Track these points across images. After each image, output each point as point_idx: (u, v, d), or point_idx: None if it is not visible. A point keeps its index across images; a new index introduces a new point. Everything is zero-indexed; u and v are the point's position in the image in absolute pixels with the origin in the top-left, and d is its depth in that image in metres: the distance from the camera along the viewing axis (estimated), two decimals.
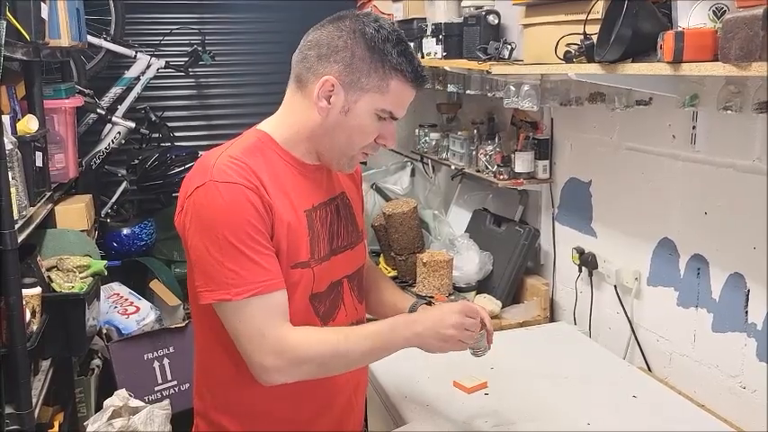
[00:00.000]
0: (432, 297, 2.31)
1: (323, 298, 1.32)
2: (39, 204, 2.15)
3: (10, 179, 1.74)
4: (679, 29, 1.36)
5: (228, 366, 1.27)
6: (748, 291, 1.62)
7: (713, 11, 1.33)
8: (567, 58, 1.70)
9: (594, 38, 1.58)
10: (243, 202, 1.16)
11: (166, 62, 3.36)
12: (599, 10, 1.61)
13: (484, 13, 2.20)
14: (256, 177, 1.19)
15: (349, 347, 1.23)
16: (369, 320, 1.42)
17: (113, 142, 3.26)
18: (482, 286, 2.47)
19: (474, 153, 2.61)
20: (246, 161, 1.20)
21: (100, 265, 2.34)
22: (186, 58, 3.43)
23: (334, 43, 1.21)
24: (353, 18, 1.23)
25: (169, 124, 3.54)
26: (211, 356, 1.31)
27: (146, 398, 2.52)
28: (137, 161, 3.35)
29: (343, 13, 1.26)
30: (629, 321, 2.01)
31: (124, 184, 3.41)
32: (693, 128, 1.73)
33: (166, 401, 2.42)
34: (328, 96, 1.22)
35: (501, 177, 2.40)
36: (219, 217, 1.15)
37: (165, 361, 2.67)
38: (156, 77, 3.39)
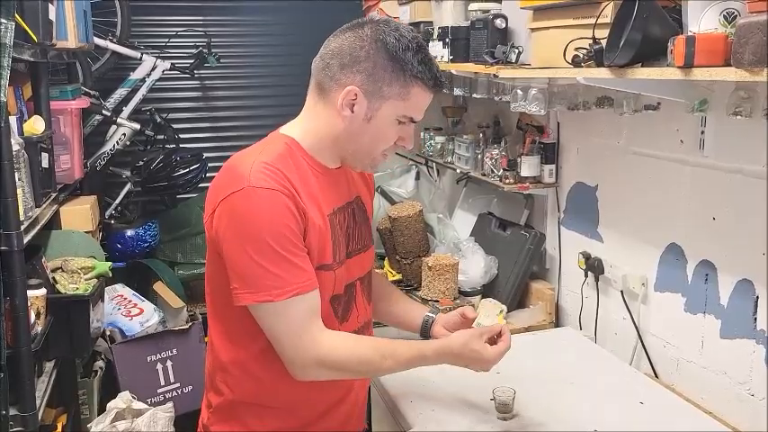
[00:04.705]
0: (437, 301, 2.30)
1: (340, 299, 1.37)
2: (44, 205, 2.15)
3: (16, 180, 1.74)
4: (690, 33, 1.35)
5: (253, 363, 1.33)
6: (757, 297, 1.61)
7: (724, 15, 1.32)
8: (576, 63, 1.69)
9: (604, 42, 1.58)
10: (282, 208, 1.20)
11: (172, 64, 3.36)
12: (608, 14, 1.60)
13: (491, 16, 2.19)
14: (290, 183, 1.22)
15: (382, 367, 1.36)
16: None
17: (118, 144, 3.26)
18: (487, 290, 2.46)
19: (479, 157, 2.61)
20: (279, 167, 1.23)
21: (104, 266, 2.33)
22: (192, 60, 3.43)
23: (356, 53, 1.24)
24: (373, 26, 1.26)
25: (174, 126, 3.53)
26: (235, 354, 1.34)
27: (148, 400, 2.51)
28: (141, 162, 3.34)
29: (363, 20, 1.29)
30: (636, 327, 2.00)
31: (128, 186, 3.41)
32: (702, 133, 1.73)
33: (170, 404, 2.42)
34: (351, 105, 1.26)
35: (507, 181, 2.39)
36: (260, 222, 1.19)
37: (169, 363, 2.66)
38: (161, 79, 3.38)
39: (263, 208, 1.19)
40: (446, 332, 1.53)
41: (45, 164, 2.21)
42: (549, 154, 2.36)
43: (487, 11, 2.30)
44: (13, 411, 1.74)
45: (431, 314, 1.59)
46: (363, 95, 1.25)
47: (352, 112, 1.26)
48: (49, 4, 2.12)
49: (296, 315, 1.23)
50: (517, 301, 2.46)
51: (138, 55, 3.30)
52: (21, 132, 2.01)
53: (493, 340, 1.42)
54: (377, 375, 1.70)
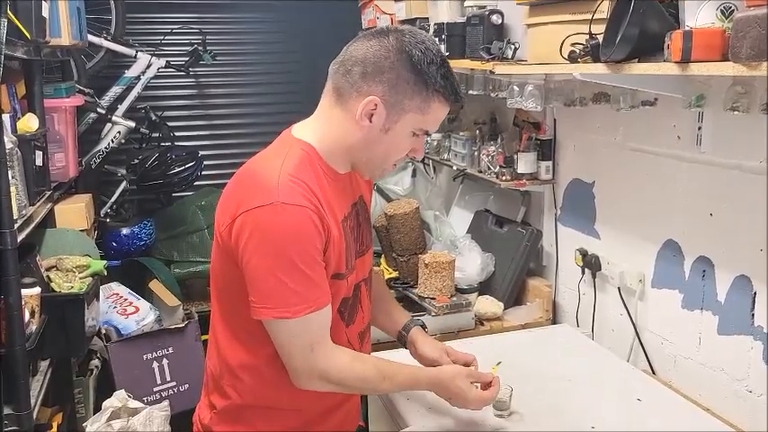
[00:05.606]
0: (433, 299, 2.29)
1: (347, 302, 1.37)
2: (38, 204, 2.14)
3: (10, 178, 1.72)
4: (687, 28, 1.35)
5: (264, 368, 1.33)
6: (754, 293, 1.60)
7: (721, 10, 1.32)
8: (572, 58, 1.69)
9: (600, 37, 1.57)
10: (310, 226, 1.19)
11: (167, 61, 3.35)
12: (604, 9, 1.60)
13: (487, 12, 2.19)
14: (315, 197, 1.22)
15: (378, 388, 1.43)
16: None
17: (113, 142, 3.25)
18: (484, 288, 2.45)
19: (476, 154, 2.60)
20: (305, 180, 1.22)
21: (99, 265, 2.32)
22: (187, 58, 3.42)
23: (380, 63, 1.22)
24: (398, 36, 1.24)
25: (169, 124, 3.52)
26: (245, 358, 1.34)
27: (144, 399, 2.50)
28: (137, 161, 3.33)
29: (387, 29, 1.28)
30: (633, 324, 2.00)
31: (124, 184, 3.40)
32: (699, 128, 1.72)
33: (165, 402, 2.41)
34: (370, 115, 1.24)
35: (503, 178, 2.39)
36: (288, 240, 1.18)
37: (165, 362, 2.66)
38: (156, 77, 3.37)
39: (293, 225, 1.18)
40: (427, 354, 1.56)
41: (39, 162, 2.20)
42: (546, 150, 2.35)
43: (483, 7, 2.30)
44: (7, 410, 1.73)
45: (404, 332, 1.61)
46: (383, 106, 1.24)
47: (371, 122, 1.25)
48: (43, 1, 2.11)
49: (310, 330, 1.23)
50: (514, 299, 2.45)
51: (133, 52, 3.29)
52: (14, 130, 2.00)
53: (482, 386, 1.47)
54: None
